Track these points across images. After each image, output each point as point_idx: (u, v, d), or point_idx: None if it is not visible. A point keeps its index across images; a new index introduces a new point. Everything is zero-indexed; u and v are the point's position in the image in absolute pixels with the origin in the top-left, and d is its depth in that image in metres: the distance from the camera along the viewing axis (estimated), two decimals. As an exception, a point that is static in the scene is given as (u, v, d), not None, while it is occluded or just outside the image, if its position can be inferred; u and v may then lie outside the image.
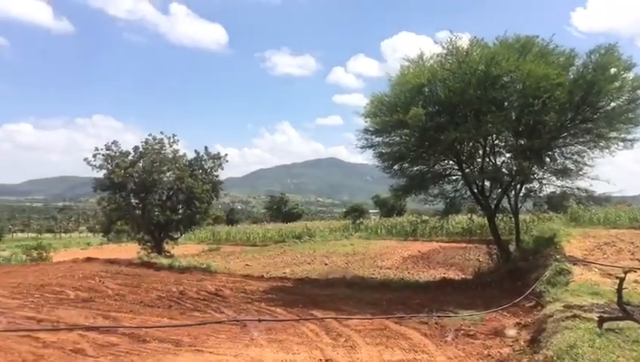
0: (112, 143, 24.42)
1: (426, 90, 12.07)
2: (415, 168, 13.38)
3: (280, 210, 70.60)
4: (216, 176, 26.47)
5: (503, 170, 12.56)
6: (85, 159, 24.03)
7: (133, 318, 8.89)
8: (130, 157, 24.33)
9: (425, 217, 20.39)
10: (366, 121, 13.14)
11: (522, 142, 12.05)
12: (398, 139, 12.99)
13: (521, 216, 14.24)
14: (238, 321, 8.15)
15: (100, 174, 24.16)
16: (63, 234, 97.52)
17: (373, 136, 13.28)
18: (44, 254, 24.15)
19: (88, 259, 21.51)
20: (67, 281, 14.13)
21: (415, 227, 33.51)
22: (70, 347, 6.70)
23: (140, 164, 24.27)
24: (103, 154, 24.05)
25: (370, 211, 54.05)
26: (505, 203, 13.38)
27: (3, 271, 18.28)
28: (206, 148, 26.56)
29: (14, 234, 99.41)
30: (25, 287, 13.00)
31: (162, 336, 7.19)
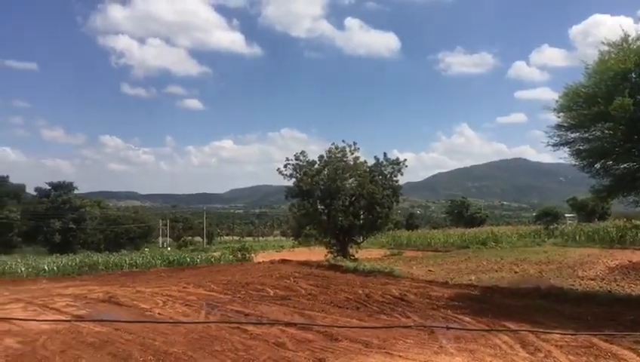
0: (300, 153, 26.39)
1: (633, 76, 10.51)
2: (622, 166, 11.69)
3: (461, 215, 68.30)
4: (396, 181, 26.72)
5: None
6: (277, 169, 26.45)
7: (325, 317, 9.44)
8: (316, 166, 25.99)
9: (636, 221, 17.65)
10: (558, 116, 11.96)
11: None
12: (599, 133, 11.51)
13: None
14: (425, 327, 8.09)
15: (290, 183, 26.33)
16: (260, 238, 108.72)
17: (568, 132, 12.00)
18: (247, 255, 27.07)
19: (283, 261, 23.50)
20: (267, 280, 15.65)
21: (623, 233, 29.32)
22: (273, 340, 7.40)
23: (325, 172, 25.75)
24: (293, 164, 26.16)
25: (566, 215, 48.94)
26: None
27: (215, 269, 21.08)
28: (385, 154, 27.05)
29: (221, 238, 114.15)
30: (233, 284, 14.75)
31: (353, 336, 7.50)
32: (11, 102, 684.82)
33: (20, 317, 9.70)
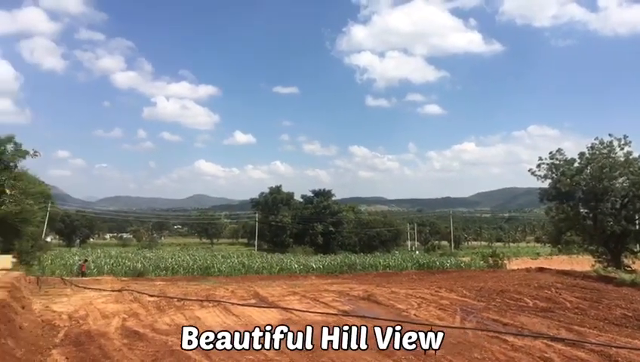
0: (557, 152, 24.20)
1: None
2: None
3: None
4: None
5: None
6: (529, 170, 24.75)
7: (598, 335, 8.38)
8: (575, 165, 23.47)
9: None
10: None
11: None
12: None
13: None
14: None
15: (545, 184, 24.29)
16: (511, 244, 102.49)
17: None
18: (500, 262, 25.90)
19: (540, 269, 21.75)
20: (524, 289, 14.71)
21: None
22: (537, 354, 6.92)
23: (587, 171, 23.04)
24: (547, 164, 24.11)
25: None
26: None
27: (466, 274, 20.79)
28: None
29: (469, 242, 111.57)
30: (486, 291, 14.30)
31: (635, 359, 6.49)
32: (281, 122, 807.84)
33: (298, 309, 11.31)
